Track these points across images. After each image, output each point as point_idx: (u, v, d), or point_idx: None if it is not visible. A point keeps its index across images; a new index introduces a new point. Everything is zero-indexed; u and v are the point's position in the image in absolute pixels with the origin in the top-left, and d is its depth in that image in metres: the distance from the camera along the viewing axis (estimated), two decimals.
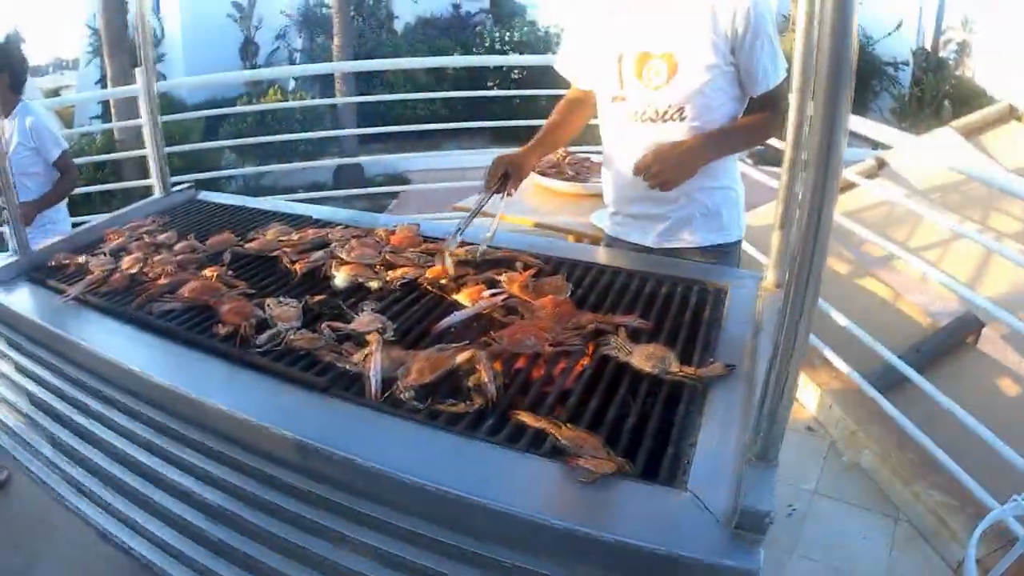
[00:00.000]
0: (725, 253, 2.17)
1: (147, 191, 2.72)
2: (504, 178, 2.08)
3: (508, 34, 16.34)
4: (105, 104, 12.79)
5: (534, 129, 2.27)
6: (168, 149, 2.65)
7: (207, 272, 1.88)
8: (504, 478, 1.18)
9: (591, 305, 1.71)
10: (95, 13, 21.00)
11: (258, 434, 1.33)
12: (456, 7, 19.79)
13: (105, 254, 2.07)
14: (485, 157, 2.54)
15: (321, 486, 1.29)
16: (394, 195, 10.06)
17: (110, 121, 11.02)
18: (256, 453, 1.36)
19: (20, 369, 1.84)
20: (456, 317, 1.63)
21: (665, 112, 2.00)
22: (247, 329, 1.61)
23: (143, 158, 2.83)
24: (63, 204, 3.60)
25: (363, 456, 1.21)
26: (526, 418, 1.28)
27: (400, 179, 10.79)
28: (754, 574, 0.99)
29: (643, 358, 1.42)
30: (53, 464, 1.71)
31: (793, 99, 1.69)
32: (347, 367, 1.46)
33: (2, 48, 3.38)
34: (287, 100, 10.97)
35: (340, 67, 10.80)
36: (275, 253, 2.04)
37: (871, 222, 3.89)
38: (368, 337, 1.54)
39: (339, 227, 2.20)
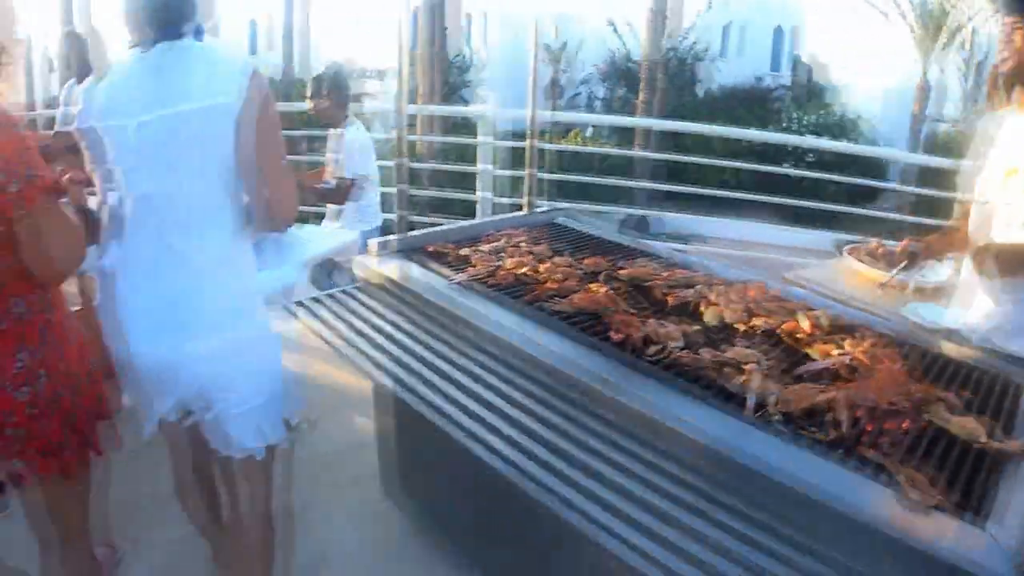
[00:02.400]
0: None
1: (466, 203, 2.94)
2: (911, 256, 2.32)
3: (805, 115, 16.11)
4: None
5: (827, 212, 2.38)
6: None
7: (593, 287, 2.00)
8: (855, 495, 1.37)
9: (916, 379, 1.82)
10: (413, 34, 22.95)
11: (661, 430, 1.53)
12: (758, 79, 19.76)
13: (484, 252, 2.26)
14: (773, 233, 2.75)
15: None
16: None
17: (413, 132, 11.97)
18: (648, 444, 1.55)
19: (408, 334, 2.04)
20: (814, 366, 1.82)
21: None
22: (637, 340, 1.77)
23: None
24: (375, 199, 4.05)
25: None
26: (869, 453, 1.49)
27: (681, 238, 10.82)
28: None
29: (959, 426, 1.61)
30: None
31: None
32: (726, 385, 1.67)
33: (331, 79, 3.94)
34: (585, 144, 11.38)
35: (647, 123, 11.10)
36: (648, 283, 2.12)
37: None
38: (746, 366, 1.74)
39: (700, 272, 2.32)
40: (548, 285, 2.02)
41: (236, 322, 1.96)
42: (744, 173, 12.39)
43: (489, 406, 1.74)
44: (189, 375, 1.96)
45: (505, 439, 1.65)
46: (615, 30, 17.31)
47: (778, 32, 24.94)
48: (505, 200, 5.30)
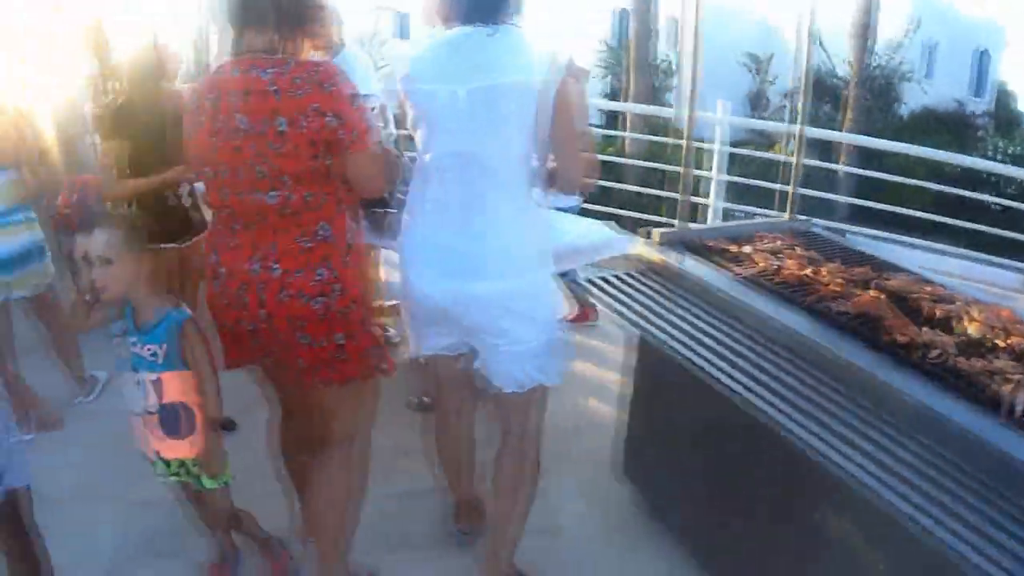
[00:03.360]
0: None
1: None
2: None
3: (1008, 144, 15.37)
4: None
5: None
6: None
7: (872, 292, 2.26)
8: None
9: None
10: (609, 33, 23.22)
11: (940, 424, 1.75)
12: (960, 104, 18.95)
13: (764, 251, 2.57)
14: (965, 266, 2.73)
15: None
16: None
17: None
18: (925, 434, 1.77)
19: (694, 319, 2.36)
20: None
21: None
22: (918, 344, 1.99)
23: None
24: None
25: None
26: None
27: None
28: None
29: None
30: None
31: None
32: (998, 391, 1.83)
33: None
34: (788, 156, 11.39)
35: (853, 139, 10.99)
36: (915, 295, 2.34)
37: None
38: (1012, 376, 1.89)
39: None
40: (830, 288, 2.29)
41: (527, 269, 2.27)
42: (943, 199, 12.12)
43: (778, 394, 2.00)
44: (480, 312, 2.26)
45: (797, 424, 1.89)
46: (820, 44, 17.04)
47: (981, 55, 23.71)
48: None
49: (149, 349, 2.33)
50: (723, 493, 2.45)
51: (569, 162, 2.26)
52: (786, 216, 3.09)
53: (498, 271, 2.24)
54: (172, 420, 2.37)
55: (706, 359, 2.18)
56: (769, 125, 10.88)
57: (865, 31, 12.77)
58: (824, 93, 16.34)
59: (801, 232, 2.94)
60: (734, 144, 11.84)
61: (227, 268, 2.29)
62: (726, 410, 2.08)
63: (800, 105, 3.10)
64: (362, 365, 2.35)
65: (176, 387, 2.35)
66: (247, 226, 2.24)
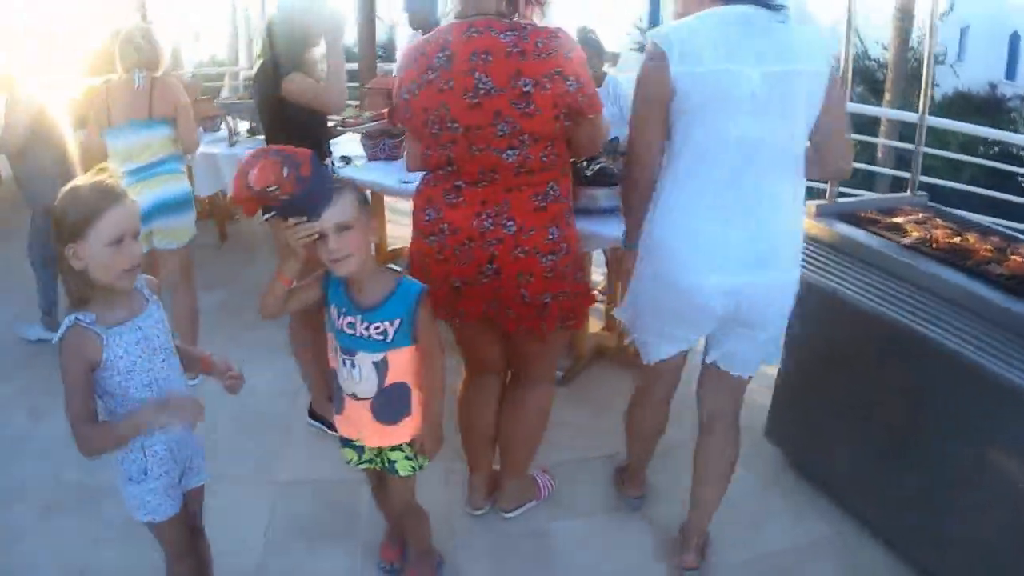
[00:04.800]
0: None
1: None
2: None
3: None
4: None
5: None
6: None
7: (1016, 257, 2.60)
8: None
9: None
10: (643, 15, 23.28)
11: None
12: (992, 87, 19.12)
13: (914, 221, 2.93)
14: None
15: None
16: None
17: None
18: None
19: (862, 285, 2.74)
20: None
21: None
22: None
23: None
24: None
25: None
26: None
27: None
28: None
29: None
30: None
31: None
32: None
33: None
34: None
35: (894, 114, 11.19)
36: None
37: None
38: None
39: None
40: (981, 253, 2.62)
41: (795, 260, 2.27)
42: (979, 173, 12.44)
43: (957, 339, 2.38)
44: (762, 305, 2.25)
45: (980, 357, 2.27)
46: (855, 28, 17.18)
47: (1013, 38, 23.78)
48: None
49: (377, 328, 2.13)
50: (884, 447, 2.70)
51: (843, 149, 2.26)
52: (908, 193, 3.44)
53: (786, 261, 2.23)
54: (392, 403, 2.23)
55: (894, 311, 2.56)
56: (889, 112, 11.03)
57: (904, 14, 12.97)
58: (855, 74, 16.58)
59: (927, 206, 3.29)
60: None
61: (450, 224, 2.36)
62: (914, 354, 2.47)
63: (922, 93, 3.44)
64: (566, 318, 2.51)
65: (403, 366, 2.21)
66: (475, 183, 2.31)
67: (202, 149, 5.32)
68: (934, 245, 2.70)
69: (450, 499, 3.06)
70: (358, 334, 2.14)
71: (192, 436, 2.16)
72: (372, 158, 4.43)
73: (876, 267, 2.73)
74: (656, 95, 2.13)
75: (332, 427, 3.47)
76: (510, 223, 2.32)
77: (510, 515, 2.98)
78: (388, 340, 2.14)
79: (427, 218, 2.42)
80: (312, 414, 3.67)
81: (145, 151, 3.70)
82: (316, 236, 2.00)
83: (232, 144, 5.57)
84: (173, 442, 2.07)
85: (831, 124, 2.15)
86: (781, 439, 3.30)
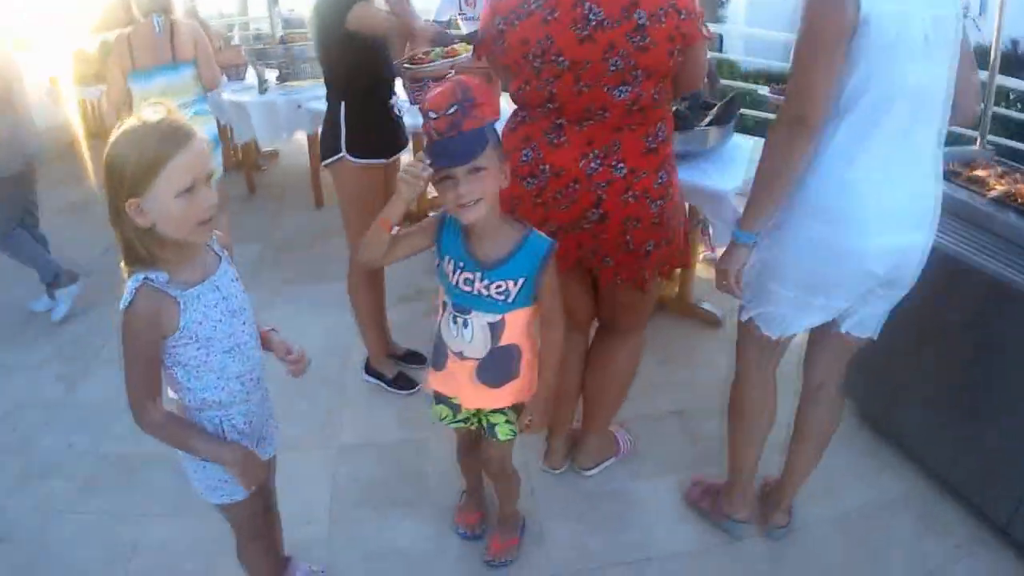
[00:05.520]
0: None
1: None
2: None
3: None
4: None
5: None
6: None
7: None
8: None
9: None
10: None
11: None
12: (1014, 43, 18.81)
13: (996, 175, 2.90)
14: None
15: None
16: None
17: None
18: None
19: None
20: None
21: None
22: None
23: None
24: None
25: None
26: None
27: None
28: None
29: None
30: None
31: None
32: None
33: None
34: None
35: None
36: None
37: None
38: None
39: None
40: None
41: (936, 217, 2.07)
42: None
43: None
44: (916, 265, 2.08)
45: None
46: None
47: None
48: None
49: (499, 287, 1.95)
50: (963, 404, 2.68)
51: (975, 94, 2.10)
52: (976, 146, 3.42)
53: (937, 218, 2.06)
54: (498, 365, 2.08)
55: (980, 263, 2.54)
56: None
57: None
58: None
59: (997, 160, 3.26)
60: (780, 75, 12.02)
61: (551, 165, 2.19)
62: (1001, 307, 2.46)
63: (992, 49, 3.41)
64: (664, 266, 2.42)
65: (519, 328, 2.04)
66: (578, 123, 2.15)
67: (231, 98, 5.45)
68: (1018, 199, 2.68)
69: (526, 459, 2.95)
70: (476, 292, 1.97)
71: (267, 400, 1.98)
72: (414, 102, 3.96)
73: (962, 219, 2.71)
74: (837, 33, 1.80)
75: (391, 383, 3.50)
76: (620, 165, 2.16)
77: (590, 472, 2.97)
78: (509, 301, 1.97)
79: (524, 158, 2.23)
80: (368, 369, 3.61)
81: (174, 95, 3.74)
82: (443, 176, 1.82)
83: (263, 91, 5.52)
84: (253, 411, 1.87)
85: (967, 68, 2.00)
86: (856, 396, 3.22)
